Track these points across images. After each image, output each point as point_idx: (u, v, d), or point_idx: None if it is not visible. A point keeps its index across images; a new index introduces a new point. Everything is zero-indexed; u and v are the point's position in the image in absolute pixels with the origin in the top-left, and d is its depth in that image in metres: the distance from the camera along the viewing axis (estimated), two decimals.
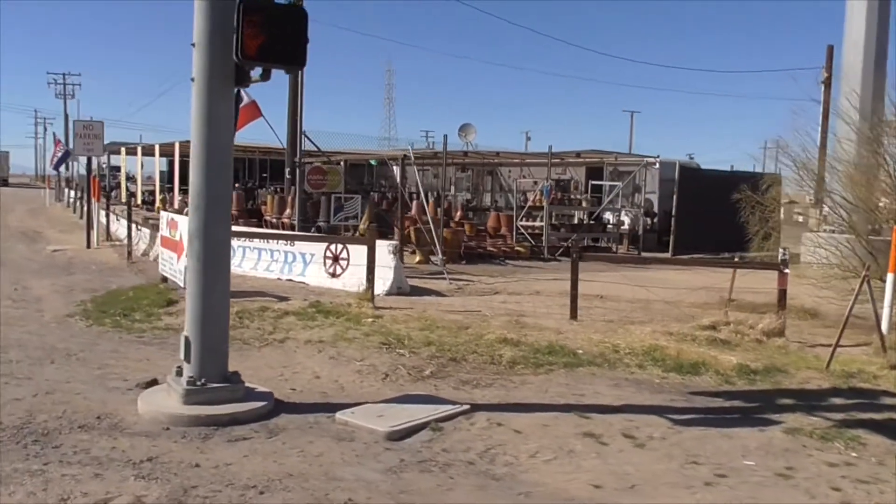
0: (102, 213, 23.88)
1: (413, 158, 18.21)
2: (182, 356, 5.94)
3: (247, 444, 5.25)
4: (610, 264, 18.86)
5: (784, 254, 9.61)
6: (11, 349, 7.91)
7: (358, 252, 12.79)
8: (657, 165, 25.04)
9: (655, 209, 25.35)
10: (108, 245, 18.63)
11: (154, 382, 6.62)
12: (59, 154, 33.65)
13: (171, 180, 28.44)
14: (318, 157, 19.21)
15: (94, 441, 5.18)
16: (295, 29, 5.56)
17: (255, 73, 5.74)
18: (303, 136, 14.65)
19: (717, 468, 5.11)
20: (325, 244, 13.22)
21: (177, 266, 11.21)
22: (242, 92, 14.61)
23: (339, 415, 5.80)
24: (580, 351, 8.24)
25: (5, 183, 75.88)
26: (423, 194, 18.00)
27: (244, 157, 33.66)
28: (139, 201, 26.68)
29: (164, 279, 12.18)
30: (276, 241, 13.92)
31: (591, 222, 22.14)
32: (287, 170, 20.11)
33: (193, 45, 5.75)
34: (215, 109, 5.76)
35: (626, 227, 23.62)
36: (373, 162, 22.24)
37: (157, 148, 25.30)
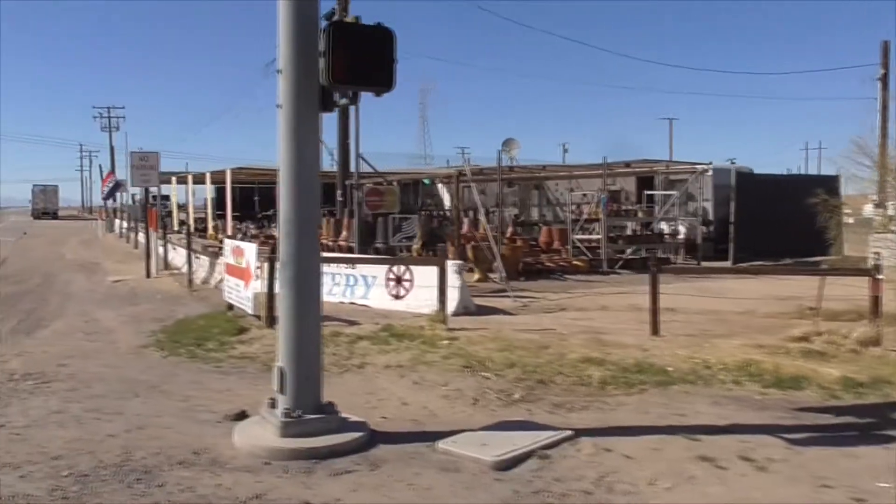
0: (159, 242, 24.25)
1: (470, 175, 18.06)
2: (276, 387, 5.81)
3: (352, 478, 5.08)
4: (671, 275, 18.54)
5: (878, 258, 9.21)
6: (94, 383, 7.90)
7: (421, 273, 12.67)
8: (710, 172, 24.57)
9: (710, 217, 24.86)
10: (166, 274, 18.78)
11: (243, 415, 6.51)
12: (110, 185, 34.42)
13: (221, 208, 28.72)
14: (369, 177, 19.18)
15: (196, 478, 5.06)
16: (382, 50, 5.44)
17: (341, 97, 5.64)
18: (359, 159, 14.61)
19: (852, 491, 4.80)
20: (388, 266, 13.11)
21: (244, 293, 11.18)
22: None
23: (440, 444, 5.61)
24: (670, 368, 7.95)
25: (55, 216, 77.69)
26: (481, 210, 17.78)
27: (271, 181, 33.95)
28: (191, 229, 26.90)
29: (230, 307, 12.15)
30: (337, 265, 13.84)
31: (648, 233, 21.72)
32: (339, 192, 20.12)
33: (279, 71, 5.67)
34: (302, 135, 5.67)
35: (681, 236, 23.15)
36: (426, 181, 22.16)
37: (208, 176, 25.60)
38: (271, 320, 10.57)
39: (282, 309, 5.83)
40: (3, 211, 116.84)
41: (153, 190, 39.14)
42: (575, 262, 18.50)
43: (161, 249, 19.15)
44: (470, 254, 16.44)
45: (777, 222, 21.74)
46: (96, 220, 45.21)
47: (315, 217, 5.92)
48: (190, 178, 26.67)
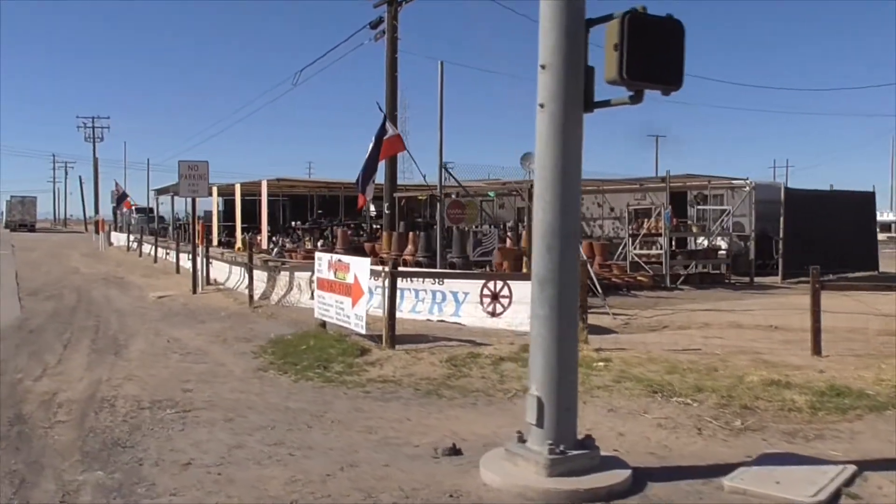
0: (185, 255, 23.41)
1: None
2: (532, 419, 5.21)
3: None
4: (720, 291, 18.20)
5: None
6: (245, 411, 7.23)
7: (521, 288, 12.09)
8: (746, 188, 24.36)
9: (747, 232, 24.63)
10: (212, 289, 17.99)
11: (455, 450, 5.91)
12: (118, 196, 33.45)
13: (251, 220, 27.95)
14: (421, 189, 18.60)
15: None
16: (674, 44, 4.92)
17: (619, 95, 5.08)
18: (443, 170, 14.04)
19: None
20: (482, 281, 12.52)
21: (351, 311, 10.51)
22: (388, 124, 14.21)
23: (725, 482, 5.04)
24: (870, 392, 7.47)
25: (32, 228, 75.66)
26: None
27: (307, 193, 33.29)
28: (216, 242, 26.14)
29: (323, 324, 11.48)
30: (421, 280, 13.23)
31: (706, 248, 21.37)
32: (385, 205, 19.49)
33: (543, 66, 5.11)
34: (568, 137, 5.11)
35: (723, 252, 22.85)
36: (491, 194, 21.61)
37: (237, 188, 24.80)
38: (393, 341, 9.96)
39: (539, 333, 5.23)
40: None
41: (162, 200, 38.22)
42: (639, 278, 18.04)
43: (202, 263, 18.32)
44: None
45: (821, 237, 21.59)
46: (87, 231, 43.85)
47: (578, 229, 5.35)
48: (215, 189, 25.88)
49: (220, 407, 7.41)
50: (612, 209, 28.82)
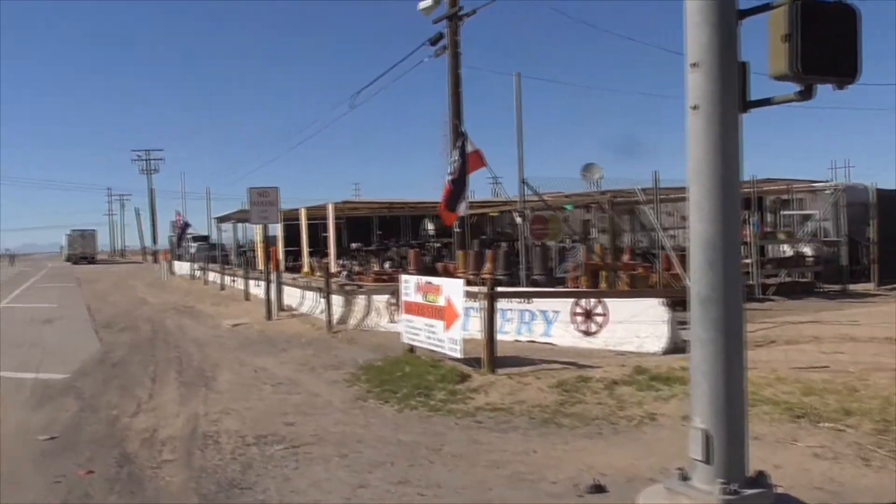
0: (253, 282, 23.44)
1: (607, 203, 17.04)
2: (698, 455, 4.74)
3: None
4: (814, 301, 17.38)
5: None
6: (356, 446, 6.91)
7: (617, 306, 11.65)
8: (829, 191, 23.43)
9: (831, 237, 23.64)
10: (286, 315, 17.87)
11: (600, 487, 5.49)
12: (180, 226, 33.88)
13: (313, 244, 27.99)
14: (494, 206, 18.21)
15: None
16: (848, 32, 4.46)
17: (783, 90, 4.63)
18: (523, 184, 13.67)
19: None
20: (574, 300, 12.07)
21: (444, 335, 10.15)
22: (467, 141, 13.92)
23: None
24: None
25: (92, 260, 77.54)
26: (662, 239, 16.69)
27: (370, 214, 33.25)
28: (283, 267, 26.15)
29: (411, 349, 11.16)
30: (507, 300, 12.82)
31: (794, 255, 20.55)
32: (456, 223, 19.17)
33: (694, 65, 4.69)
34: (726, 141, 4.66)
35: (810, 258, 21.95)
36: (568, 207, 21.19)
37: (303, 212, 24.86)
38: (493, 365, 9.58)
39: (703, 358, 4.77)
40: (31, 256, 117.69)
41: (224, 227, 38.63)
42: None
43: (273, 289, 18.21)
44: (624, 282, 15.42)
45: None
46: (150, 263, 44.65)
47: (738, 242, 4.90)
48: (280, 215, 25.98)
49: (329, 441, 7.12)
50: (683, 218, 28.00)
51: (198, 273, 34.96)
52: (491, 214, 29.87)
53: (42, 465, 6.65)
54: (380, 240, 33.73)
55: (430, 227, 35.99)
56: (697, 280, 4.79)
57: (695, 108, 4.74)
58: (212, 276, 32.64)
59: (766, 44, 4.55)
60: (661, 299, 11.31)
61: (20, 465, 6.73)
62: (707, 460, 4.71)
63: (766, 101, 4.74)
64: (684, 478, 4.84)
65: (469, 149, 13.29)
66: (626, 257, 21.94)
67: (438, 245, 32.57)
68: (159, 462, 6.69)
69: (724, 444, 4.69)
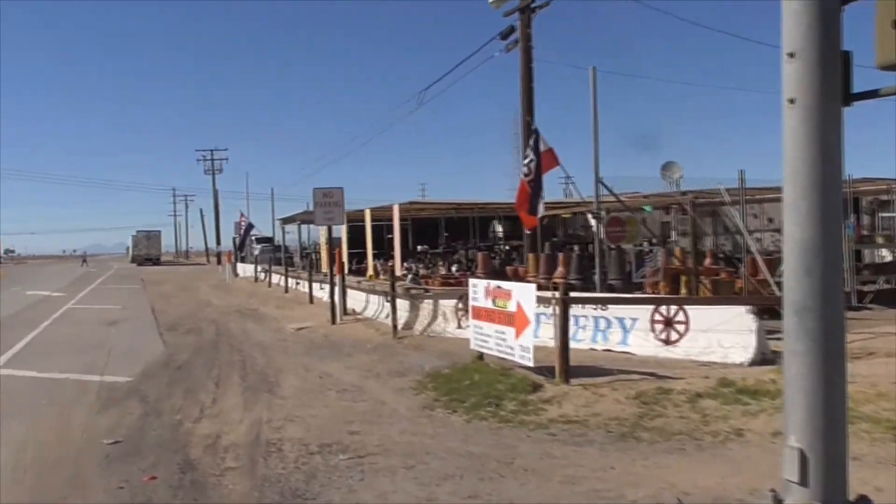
0: (317, 285, 23.77)
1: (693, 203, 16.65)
2: (794, 477, 4.53)
3: None
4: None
5: None
6: (423, 456, 6.91)
7: (700, 314, 11.36)
8: None
9: None
10: (351, 319, 18.05)
11: None
12: (244, 227, 34.60)
13: (378, 246, 28.27)
14: (567, 207, 18.00)
15: None
16: None
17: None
18: (598, 184, 13.47)
19: None
20: (653, 307, 11.81)
21: (514, 342, 10.07)
22: (540, 139, 13.83)
23: None
24: None
25: (157, 262, 79.87)
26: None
27: (438, 216, 33.37)
28: (347, 270, 26.51)
29: (480, 356, 11.10)
30: (581, 306, 12.64)
31: (894, 260, 19.75)
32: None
33: (791, 55, 4.50)
34: (826, 137, 4.45)
35: None
36: (647, 209, 20.87)
37: (368, 213, 25.10)
38: (567, 374, 9.46)
39: (798, 372, 4.58)
40: (97, 257, 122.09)
41: (288, 229, 39.28)
42: None
43: (338, 293, 18.41)
44: (707, 288, 15.04)
45: None
46: (214, 264, 45.79)
47: (839, 246, 4.69)
48: (345, 216, 26.28)
49: (395, 452, 7.12)
50: (770, 220, 27.23)
51: (262, 275, 35.65)
52: (563, 216, 29.60)
53: (106, 470, 6.84)
54: (447, 242, 33.81)
55: (499, 228, 35.90)
56: (792, 287, 4.59)
57: (791, 101, 4.55)
58: (276, 278, 33.24)
59: (870, 31, 4.37)
60: (747, 307, 10.97)
61: (85, 469, 6.94)
62: (803, 482, 4.52)
63: (871, 94, 4.51)
64: (777, 500, 4.65)
65: (542, 147, 13.17)
66: (708, 261, 21.42)
67: (508, 248, 32.46)
68: (222, 469, 6.80)
69: (822, 464, 4.49)
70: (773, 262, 20.15)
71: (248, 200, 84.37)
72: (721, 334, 11.08)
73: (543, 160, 13.07)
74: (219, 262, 63.40)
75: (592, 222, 15.00)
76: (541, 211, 13.56)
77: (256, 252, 44.19)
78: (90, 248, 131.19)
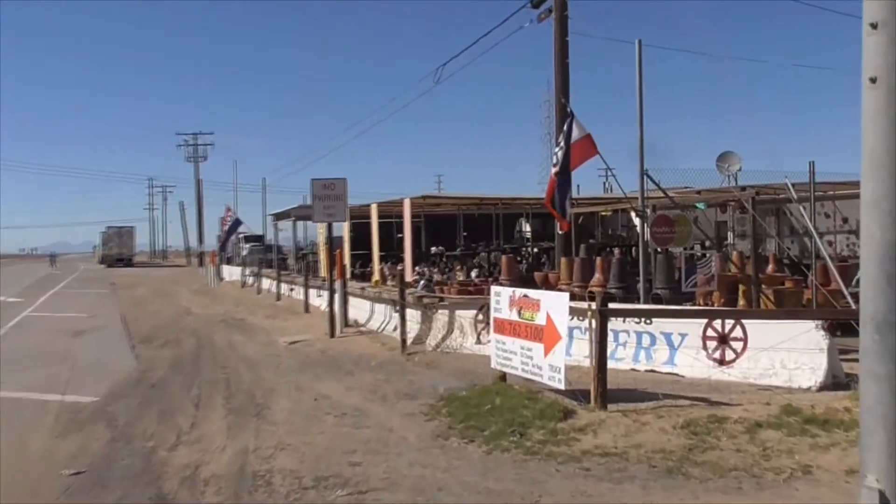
0: (314, 291, 23.89)
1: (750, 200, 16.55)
2: None
3: None
4: None
5: None
6: (438, 494, 6.95)
7: (761, 329, 11.30)
8: None
9: None
10: (352, 332, 18.12)
11: None
12: (229, 223, 34.75)
13: (386, 247, 28.32)
14: (606, 203, 17.98)
15: None
16: None
17: None
18: (644, 177, 13.38)
19: None
20: (704, 320, 11.77)
21: (543, 361, 10.05)
22: (574, 123, 13.81)
23: None
24: None
25: (130, 262, 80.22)
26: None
27: (455, 212, 33.42)
28: (349, 274, 26.57)
29: (503, 376, 11.09)
30: (621, 319, 12.61)
31: None
32: (558, 223, 19.02)
33: (873, 26, 4.46)
34: None
35: None
36: (700, 206, 20.78)
37: (374, 209, 25.05)
38: (604, 399, 9.44)
39: (877, 397, 4.52)
40: (62, 257, 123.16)
41: (280, 226, 39.37)
42: None
43: (338, 301, 18.47)
44: (769, 300, 14.96)
45: None
46: (196, 266, 46.14)
47: None
48: (348, 211, 26.24)
49: (403, 487, 7.14)
50: (844, 220, 27.10)
51: (250, 279, 35.91)
52: (602, 213, 29.57)
53: None
54: (466, 243, 33.83)
55: (527, 228, 35.89)
56: (871, 299, 4.54)
57: (873, 80, 4.51)
58: (266, 283, 33.43)
59: None
60: (817, 321, 10.91)
61: None
62: None
63: None
64: None
65: (576, 133, 13.10)
66: (770, 268, 21.33)
67: (536, 250, 32.44)
68: None
69: None
70: (849, 269, 20.02)
71: (236, 192, 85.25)
72: (785, 353, 11.03)
73: (577, 149, 13.00)
74: (201, 264, 63.99)
75: (636, 221, 14.97)
76: (568, 211, 13.53)
77: (244, 253, 44.45)
78: (54, 247, 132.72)
